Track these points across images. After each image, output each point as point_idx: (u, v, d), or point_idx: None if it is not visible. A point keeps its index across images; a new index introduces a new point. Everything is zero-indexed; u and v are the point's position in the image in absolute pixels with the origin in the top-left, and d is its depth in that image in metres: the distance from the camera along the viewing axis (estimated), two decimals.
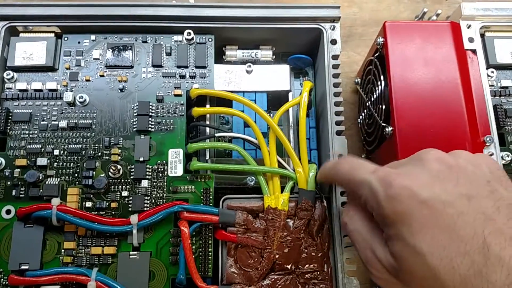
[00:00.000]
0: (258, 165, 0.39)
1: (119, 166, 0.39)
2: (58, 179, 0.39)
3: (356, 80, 0.51)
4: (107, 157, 0.39)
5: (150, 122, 0.40)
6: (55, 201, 0.37)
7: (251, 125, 0.40)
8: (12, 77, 0.41)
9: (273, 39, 0.45)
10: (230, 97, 0.41)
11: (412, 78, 0.41)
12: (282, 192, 0.39)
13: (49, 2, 0.42)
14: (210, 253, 0.38)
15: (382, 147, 0.43)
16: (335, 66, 0.42)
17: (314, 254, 0.37)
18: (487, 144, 0.39)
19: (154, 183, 0.39)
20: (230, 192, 0.40)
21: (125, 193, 0.39)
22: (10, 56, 0.41)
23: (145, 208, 0.38)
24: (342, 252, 0.37)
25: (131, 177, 0.39)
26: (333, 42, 0.43)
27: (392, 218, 0.27)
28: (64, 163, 0.39)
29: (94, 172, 0.39)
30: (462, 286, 0.24)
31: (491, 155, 0.39)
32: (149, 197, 0.39)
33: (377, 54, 0.44)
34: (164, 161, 0.40)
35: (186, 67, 0.42)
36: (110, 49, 0.42)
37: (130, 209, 0.38)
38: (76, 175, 0.39)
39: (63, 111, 0.41)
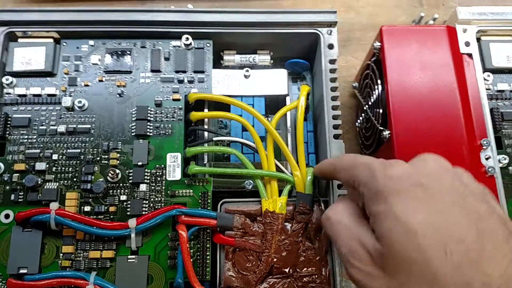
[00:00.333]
0: (256, 169, 0.40)
1: (117, 171, 0.39)
2: (57, 184, 0.39)
3: (354, 85, 0.51)
4: (106, 162, 0.40)
5: (148, 127, 0.40)
6: (54, 206, 0.37)
7: (249, 129, 0.40)
8: (11, 82, 0.41)
9: (270, 44, 0.45)
10: (228, 101, 0.41)
11: (409, 82, 0.41)
12: (280, 195, 0.39)
13: (48, 7, 0.42)
14: (208, 257, 0.38)
15: (380, 151, 0.43)
16: (332, 71, 0.42)
17: (312, 257, 0.37)
18: (484, 147, 0.40)
19: (152, 187, 0.39)
20: (228, 196, 0.40)
21: (123, 197, 0.39)
22: (9, 62, 0.42)
23: (144, 212, 0.38)
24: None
25: (130, 181, 0.39)
26: (330, 46, 0.43)
27: (385, 192, 0.26)
28: (63, 168, 0.39)
29: (92, 177, 0.39)
30: (454, 275, 0.22)
31: (488, 158, 0.40)
32: (147, 201, 0.39)
33: (374, 58, 0.44)
34: (163, 165, 0.40)
35: (185, 72, 0.43)
36: (108, 54, 0.42)
37: (128, 213, 0.38)
38: (74, 179, 0.39)
39: (62, 116, 0.41)
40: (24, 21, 0.42)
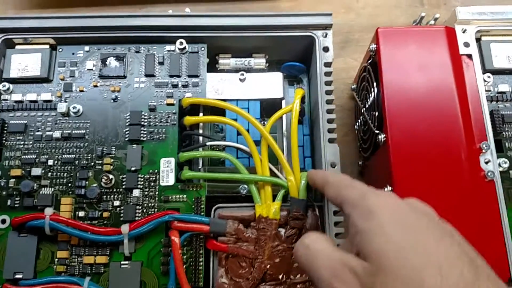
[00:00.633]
0: (250, 173, 0.39)
1: (111, 176, 0.39)
2: (52, 189, 0.39)
3: (353, 87, 0.51)
4: (100, 167, 0.40)
5: (142, 132, 0.40)
6: (48, 211, 0.37)
7: (243, 133, 0.40)
8: (8, 89, 0.42)
9: (266, 47, 0.45)
10: (222, 105, 0.41)
11: (405, 85, 0.40)
12: (274, 200, 0.38)
13: (44, 14, 0.43)
14: (201, 263, 0.38)
15: (377, 154, 0.43)
16: (328, 74, 0.42)
17: None
18: (483, 150, 0.39)
19: (146, 193, 0.39)
20: (223, 201, 0.40)
21: (117, 203, 0.39)
22: (6, 68, 0.42)
23: (137, 218, 0.38)
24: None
25: (123, 186, 0.39)
26: (325, 49, 0.42)
27: (377, 210, 0.25)
28: (58, 173, 0.40)
29: (87, 182, 0.39)
30: None
31: (487, 162, 0.39)
32: (140, 207, 0.39)
33: (370, 60, 0.43)
34: (156, 170, 0.40)
35: (179, 76, 0.43)
36: (103, 59, 0.43)
37: (122, 218, 0.38)
38: (69, 184, 0.39)
39: (57, 122, 0.41)
40: (20, 28, 0.42)
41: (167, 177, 0.40)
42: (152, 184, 0.39)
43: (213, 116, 0.41)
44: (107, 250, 0.38)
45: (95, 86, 0.42)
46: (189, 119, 0.41)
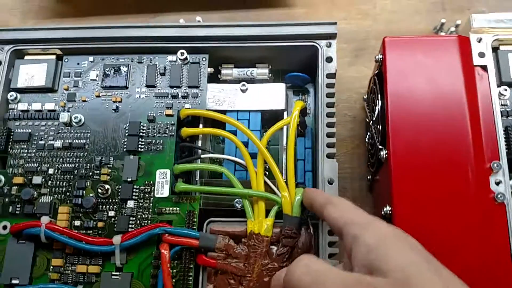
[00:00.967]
0: (245, 187, 0.38)
1: (107, 186, 0.39)
2: (51, 197, 0.40)
3: (365, 97, 0.49)
4: (97, 177, 0.40)
5: (140, 142, 0.40)
6: (44, 219, 0.38)
7: (239, 146, 0.39)
8: (15, 98, 0.43)
9: (270, 57, 0.44)
10: (218, 117, 0.40)
11: (411, 98, 0.38)
12: (267, 216, 0.37)
13: (51, 25, 0.44)
14: (190, 278, 0.37)
15: (381, 171, 0.41)
16: (330, 85, 0.40)
17: None
18: (494, 171, 0.36)
19: (140, 204, 0.39)
20: (220, 214, 0.39)
21: (111, 213, 0.39)
22: (14, 78, 0.43)
23: (130, 229, 0.38)
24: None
25: (119, 197, 0.39)
26: (329, 59, 0.41)
27: (387, 230, 0.27)
28: (58, 182, 0.40)
29: (84, 192, 0.40)
30: None
31: (498, 183, 0.36)
32: (134, 218, 0.39)
33: (377, 71, 0.41)
34: (152, 182, 0.40)
35: (179, 87, 0.42)
36: (106, 70, 0.43)
37: (115, 229, 0.39)
38: (68, 193, 0.40)
39: (60, 131, 0.42)
40: (28, 39, 0.44)
41: (162, 189, 0.39)
42: (147, 195, 0.39)
43: (209, 128, 0.41)
44: (99, 260, 0.38)
45: (98, 96, 0.43)
46: (186, 131, 0.41)
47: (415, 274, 0.23)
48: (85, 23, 0.54)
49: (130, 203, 0.39)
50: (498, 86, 0.39)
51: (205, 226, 0.38)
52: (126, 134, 0.41)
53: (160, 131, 0.41)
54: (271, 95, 0.43)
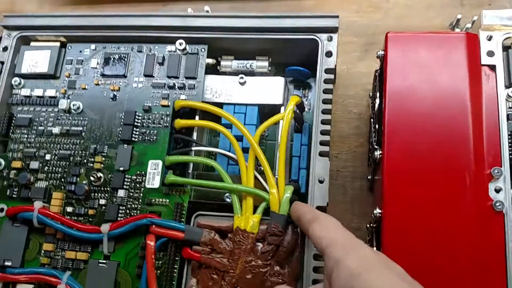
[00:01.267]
0: (236, 182, 0.38)
1: (99, 174, 0.40)
2: (47, 183, 0.41)
3: (371, 94, 0.47)
4: (92, 165, 0.40)
5: (134, 132, 0.40)
6: (37, 204, 0.39)
7: (231, 140, 0.38)
8: (19, 84, 0.44)
9: (271, 50, 0.43)
10: (211, 110, 0.40)
11: (411, 97, 0.36)
12: (255, 213, 0.37)
13: (56, 13, 0.44)
14: (175, 270, 0.37)
15: (378, 171, 0.39)
16: (328, 81, 0.39)
17: (278, 283, 0.35)
18: (495, 177, 0.34)
19: (131, 194, 0.39)
20: (211, 207, 0.39)
21: (102, 201, 0.39)
22: (19, 64, 0.44)
23: (119, 218, 0.39)
24: (308, 284, 0.34)
25: (110, 186, 0.39)
26: (328, 54, 0.39)
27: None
28: (53, 168, 0.41)
29: (78, 179, 0.40)
30: None
31: (498, 190, 0.34)
32: (124, 207, 0.39)
33: (379, 68, 0.40)
34: (144, 172, 0.40)
35: (177, 77, 0.42)
36: (106, 58, 0.43)
37: (105, 217, 0.39)
38: (62, 180, 0.41)
39: (59, 118, 0.42)
40: (34, 26, 0.44)
41: (153, 180, 0.39)
42: (138, 185, 0.39)
43: (202, 120, 0.40)
44: (88, 247, 0.39)
45: (97, 84, 0.43)
46: (179, 122, 0.40)
47: None
48: (98, 11, 0.55)
49: (121, 192, 0.39)
50: (507, 87, 0.36)
51: (193, 219, 0.38)
52: (122, 123, 0.41)
53: (155, 121, 0.41)
54: (270, 89, 0.42)
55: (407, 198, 0.34)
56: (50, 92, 0.43)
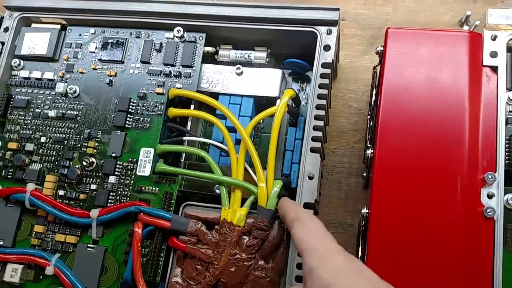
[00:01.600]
0: (227, 173, 0.38)
1: (92, 159, 0.40)
2: (41, 165, 0.41)
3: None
4: (85, 149, 0.41)
5: (128, 119, 0.40)
6: (30, 186, 0.39)
7: (222, 131, 0.38)
8: (19, 65, 0.44)
9: (270, 41, 0.42)
10: (205, 100, 0.39)
11: (407, 96, 0.35)
12: (243, 206, 0.36)
13: None
14: (161, 259, 0.37)
15: (370, 170, 0.38)
16: (324, 76, 0.38)
17: (261, 277, 0.35)
18: (488, 183, 0.33)
19: (122, 180, 0.39)
20: (203, 198, 0.39)
21: (93, 187, 0.40)
22: (19, 45, 0.44)
23: (109, 204, 0.39)
24: (291, 280, 0.34)
25: (102, 171, 0.40)
26: (326, 48, 0.38)
27: (344, 268, 0.26)
28: (48, 151, 0.41)
29: (71, 163, 0.41)
30: None
31: (491, 196, 0.33)
32: (114, 194, 0.39)
33: (378, 64, 0.39)
34: (135, 159, 0.40)
35: (173, 65, 0.42)
36: (104, 43, 0.43)
37: (95, 202, 0.39)
38: (56, 163, 0.41)
39: (56, 101, 0.42)
40: (36, 7, 0.44)
41: (144, 168, 0.39)
42: (129, 172, 0.39)
43: (194, 110, 0.40)
44: (78, 231, 0.39)
45: (94, 69, 0.43)
46: (172, 111, 0.40)
47: None
48: None
49: (112, 179, 0.39)
50: (508, 90, 0.35)
51: (181, 209, 0.38)
52: (116, 109, 0.41)
53: (149, 109, 0.41)
54: (266, 81, 0.41)
55: (396, 199, 0.33)
56: (48, 75, 0.43)
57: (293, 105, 0.40)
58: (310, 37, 0.40)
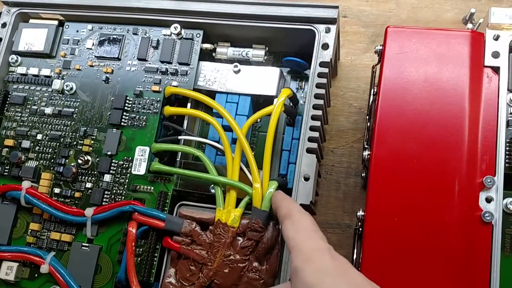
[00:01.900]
0: (222, 173, 0.37)
1: (87, 157, 0.40)
2: (37, 163, 0.41)
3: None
4: (81, 147, 0.40)
5: (124, 117, 0.40)
6: (25, 184, 0.39)
7: (218, 130, 0.38)
8: (16, 61, 0.44)
9: (268, 39, 0.42)
10: (201, 99, 0.39)
11: (406, 96, 0.35)
12: (238, 206, 0.36)
13: None
14: (155, 259, 0.37)
15: (367, 171, 0.38)
16: (321, 75, 0.37)
17: (255, 280, 0.34)
18: (487, 186, 0.32)
19: (117, 179, 0.39)
20: (199, 197, 0.39)
21: (89, 185, 0.39)
22: (16, 41, 0.44)
23: (104, 203, 0.39)
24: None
25: (97, 170, 0.39)
26: (325, 46, 0.38)
27: (329, 271, 0.25)
28: (44, 148, 0.41)
29: (67, 160, 0.40)
30: None
31: (489, 200, 0.32)
32: (109, 192, 0.39)
33: (377, 63, 0.38)
34: (131, 158, 0.39)
35: (170, 62, 0.41)
36: (101, 40, 0.43)
37: (90, 201, 0.39)
38: (52, 160, 0.41)
39: (52, 98, 0.42)
40: (33, 3, 0.44)
41: (139, 166, 0.39)
42: (124, 171, 0.39)
43: (191, 109, 0.40)
44: (73, 230, 0.39)
45: (91, 66, 0.42)
46: (168, 110, 0.40)
47: None
48: None
49: (107, 177, 0.39)
50: (510, 91, 0.34)
51: (176, 209, 0.38)
52: (112, 107, 0.41)
53: (145, 107, 0.40)
54: (264, 79, 0.40)
55: (392, 201, 0.33)
56: (45, 72, 0.43)
57: (291, 104, 0.40)
58: (309, 35, 0.39)
